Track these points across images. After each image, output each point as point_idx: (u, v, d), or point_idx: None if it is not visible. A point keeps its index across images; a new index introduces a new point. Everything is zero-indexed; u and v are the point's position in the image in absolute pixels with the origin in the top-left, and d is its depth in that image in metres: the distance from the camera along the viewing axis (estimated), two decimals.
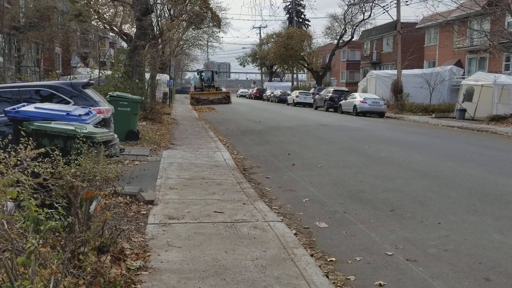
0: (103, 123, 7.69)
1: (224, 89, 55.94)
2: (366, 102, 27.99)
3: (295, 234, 5.52)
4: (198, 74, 49.98)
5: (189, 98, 44.06)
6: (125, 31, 24.32)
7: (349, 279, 4.34)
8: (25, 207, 3.15)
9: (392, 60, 43.26)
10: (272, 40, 60.29)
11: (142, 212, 6.12)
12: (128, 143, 12.30)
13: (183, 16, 24.30)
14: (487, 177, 8.95)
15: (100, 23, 24.48)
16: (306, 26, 68.99)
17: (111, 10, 24.30)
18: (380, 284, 4.21)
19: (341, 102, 31.06)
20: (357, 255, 4.94)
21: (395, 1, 32.80)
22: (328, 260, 4.80)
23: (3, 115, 6.12)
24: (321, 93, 37.46)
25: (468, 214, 6.43)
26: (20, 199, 3.25)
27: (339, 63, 63.12)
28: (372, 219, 6.21)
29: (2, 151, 3.78)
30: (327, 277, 4.29)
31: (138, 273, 4.09)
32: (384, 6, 43.70)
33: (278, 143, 14.03)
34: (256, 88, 68.75)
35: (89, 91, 9.29)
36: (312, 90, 45.91)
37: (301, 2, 68.06)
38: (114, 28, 23.17)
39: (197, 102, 39.08)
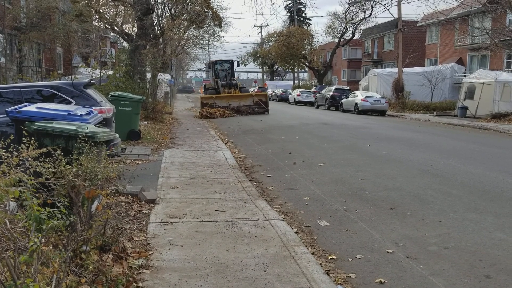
0: (105, 122, 7.73)
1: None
2: (367, 101, 27.98)
3: (296, 232, 5.54)
4: (210, 67, 32.48)
5: (198, 103, 29.14)
6: (126, 31, 24.34)
7: (350, 276, 4.36)
8: (27, 207, 3.18)
9: (394, 58, 43.20)
10: (273, 39, 60.31)
11: (144, 211, 6.15)
12: (129, 142, 12.33)
13: (184, 15, 24.33)
14: (488, 174, 8.95)
15: (101, 23, 24.52)
16: (307, 24, 68.95)
17: (112, 10, 24.34)
18: (380, 282, 4.23)
19: (342, 101, 31.05)
20: (358, 253, 4.95)
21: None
22: (329, 258, 4.82)
23: (5, 115, 6.15)
24: (323, 91, 37.43)
25: (469, 212, 6.44)
26: (23, 199, 3.27)
27: (340, 62, 63.04)
28: (373, 217, 6.22)
29: (4, 151, 3.81)
30: (328, 275, 4.31)
31: (140, 271, 4.12)
32: (385, 4, 43.81)
33: (279, 142, 14.04)
34: (257, 87, 68.66)
35: (90, 91, 9.31)
36: (313, 89, 45.86)
37: (302, 0, 68.06)
38: (115, 28, 23.19)
39: (210, 113, 24.33)
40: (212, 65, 31.07)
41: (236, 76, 31.31)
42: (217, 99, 26.22)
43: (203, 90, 33.01)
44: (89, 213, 4.10)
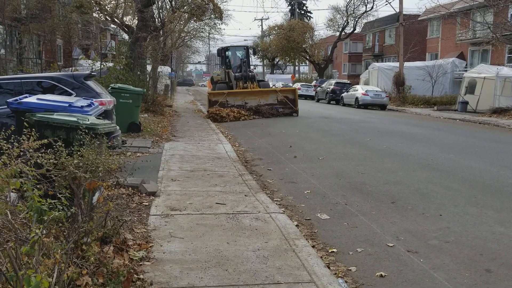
0: (105, 114, 7.70)
1: (276, 85, 34.14)
2: (368, 95, 27.96)
3: (296, 225, 5.54)
4: (219, 55, 25.31)
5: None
6: (127, 23, 24.22)
7: (350, 270, 4.36)
8: (28, 198, 3.18)
9: (394, 52, 43.09)
10: (274, 32, 59.95)
11: (145, 203, 6.15)
12: (130, 135, 12.31)
13: (185, 7, 24.20)
14: (488, 169, 8.95)
15: (101, 14, 24.40)
16: (308, 18, 68.62)
17: (113, 2, 24.20)
18: (381, 275, 4.23)
19: (343, 95, 31.02)
20: (358, 246, 4.96)
21: None
22: (330, 251, 4.82)
23: (6, 106, 6.14)
24: (323, 85, 37.37)
25: (470, 206, 6.44)
26: (24, 190, 3.28)
27: (341, 55, 62.86)
28: (373, 211, 6.22)
29: (5, 142, 3.80)
30: (329, 268, 4.31)
31: (140, 263, 4.12)
32: None
33: (279, 136, 14.03)
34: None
35: (91, 83, 9.29)
36: (314, 83, 45.76)
37: None
38: (116, 20, 23.08)
39: (221, 116, 18.50)
40: (221, 52, 24.18)
41: (252, 67, 24.36)
42: (229, 96, 20.21)
43: (210, 84, 26.66)
44: (90, 204, 4.10)
